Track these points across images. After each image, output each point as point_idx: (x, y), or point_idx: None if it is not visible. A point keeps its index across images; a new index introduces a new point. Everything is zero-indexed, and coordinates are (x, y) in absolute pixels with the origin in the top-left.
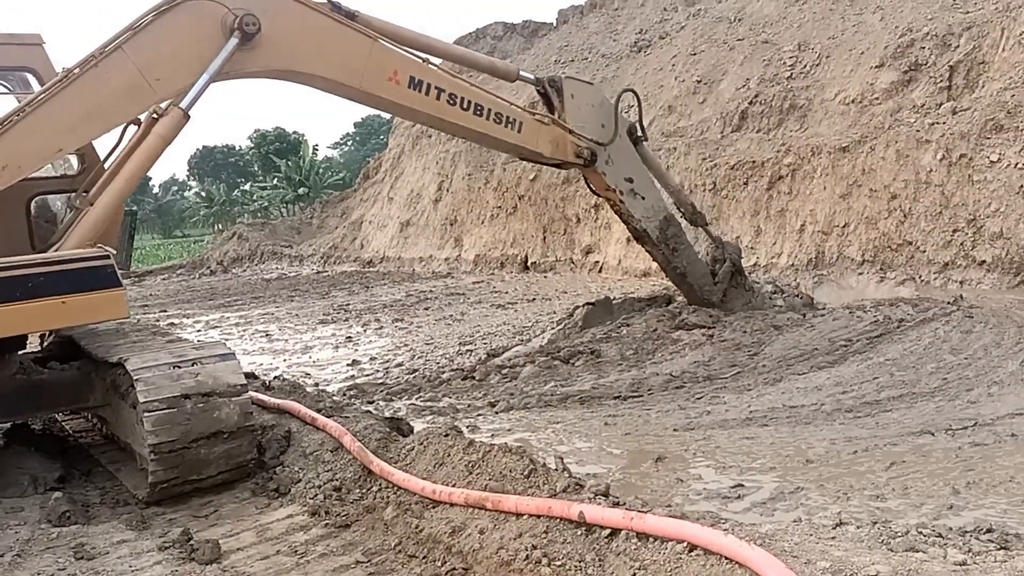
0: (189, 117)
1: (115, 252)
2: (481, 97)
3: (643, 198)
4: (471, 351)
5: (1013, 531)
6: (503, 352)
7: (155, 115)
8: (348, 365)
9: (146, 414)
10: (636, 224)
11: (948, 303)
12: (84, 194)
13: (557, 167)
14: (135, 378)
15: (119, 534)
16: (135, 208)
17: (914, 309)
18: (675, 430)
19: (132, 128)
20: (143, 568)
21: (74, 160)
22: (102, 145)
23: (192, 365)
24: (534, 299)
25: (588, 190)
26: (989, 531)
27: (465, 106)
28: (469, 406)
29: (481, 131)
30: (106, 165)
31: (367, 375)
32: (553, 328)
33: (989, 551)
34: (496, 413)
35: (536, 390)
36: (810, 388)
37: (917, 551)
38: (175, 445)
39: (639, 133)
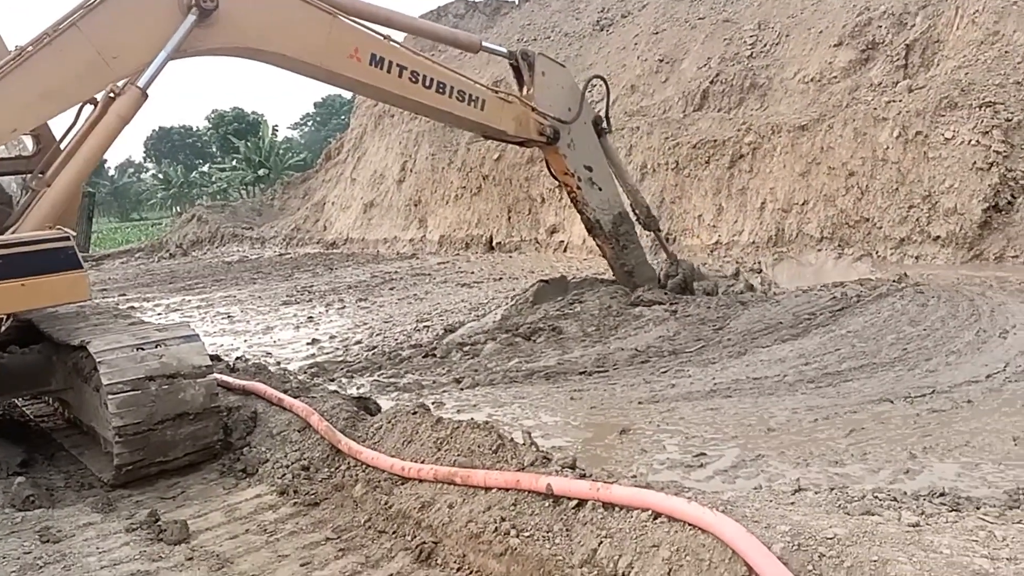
0: (147, 96)
1: (75, 234)
2: (444, 75)
3: (600, 189)
4: (428, 327)
5: (965, 493)
6: (459, 328)
7: (112, 94)
8: (308, 344)
9: (110, 397)
10: (590, 214)
11: (893, 281)
12: (40, 175)
13: (521, 145)
14: (98, 360)
15: (85, 517)
16: (92, 190)
17: (863, 287)
18: (640, 403)
19: (88, 108)
20: (111, 550)
21: (29, 141)
22: (58, 125)
23: (156, 347)
24: (500, 278)
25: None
26: (942, 494)
27: (428, 84)
28: (434, 382)
29: (444, 109)
30: (62, 146)
31: (326, 353)
32: (506, 305)
33: (941, 513)
34: (461, 389)
35: (500, 366)
36: (774, 360)
37: (873, 514)
38: (140, 427)
39: (604, 125)
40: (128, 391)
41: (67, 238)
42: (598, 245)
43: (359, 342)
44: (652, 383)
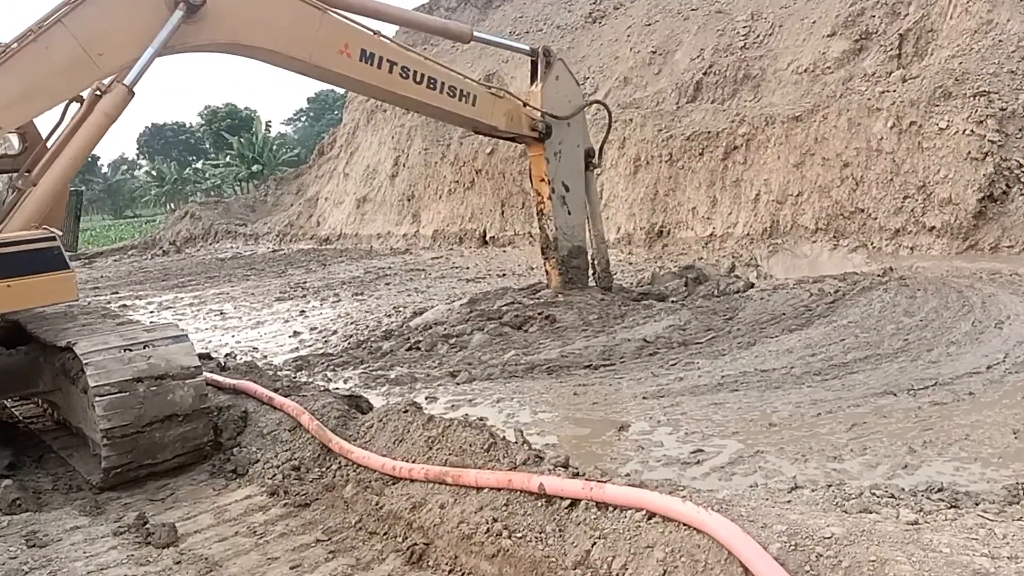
0: (134, 94)
1: (61, 234)
2: (434, 70)
3: (569, 213)
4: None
5: (963, 488)
6: (424, 312)
7: (98, 92)
8: (290, 337)
9: (97, 398)
10: (550, 231)
11: (877, 275)
12: (27, 174)
13: (512, 140)
14: (85, 362)
15: (72, 520)
16: (81, 188)
17: (843, 283)
18: (644, 398)
19: (75, 106)
20: (98, 554)
21: (15, 139)
22: (43, 124)
23: (144, 348)
24: (503, 274)
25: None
26: (940, 490)
27: (418, 79)
28: (427, 375)
29: (435, 104)
30: (49, 144)
31: (308, 346)
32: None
33: (940, 509)
34: (457, 384)
35: (496, 359)
36: (782, 351)
37: (871, 512)
38: (128, 429)
39: (595, 159)
40: (116, 393)
41: (53, 238)
42: (545, 270)
43: (335, 332)
44: (660, 376)
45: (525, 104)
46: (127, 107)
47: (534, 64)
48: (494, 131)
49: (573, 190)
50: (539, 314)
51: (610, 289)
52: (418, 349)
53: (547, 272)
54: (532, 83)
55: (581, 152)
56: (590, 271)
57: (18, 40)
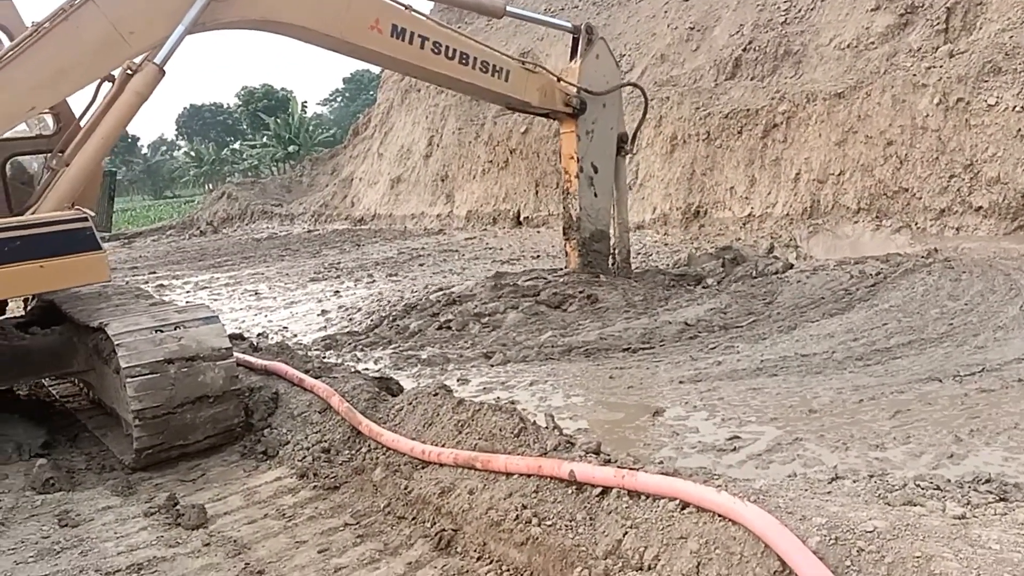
0: (164, 72)
1: (94, 214)
2: (467, 45)
3: (596, 195)
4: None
5: (1012, 480)
6: (451, 288)
7: (129, 71)
8: (318, 316)
9: (128, 379)
10: (574, 210)
11: (921, 256)
12: (60, 154)
13: (546, 116)
14: (116, 343)
15: (104, 500)
16: (114, 169)
17: (886, 265)
18: (680, 382)
19: (107, 86)
20: (128, 535)
21: (49, 119)
22: (77, 103)
23: (175, 329)
24: (537, 255)
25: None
26: (988, 481)
27: (450, 55)
28: (460, 356)
29: (468, 80)
30: (81, 124)
31: (335, 325)
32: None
33: (988, 503)
34: (492, 366)
35: (531, 340)
36: (823, 335)
37: (915, 504)
38: (159, 411)
39: (628, 145)
40: (147, 374)
41: (85, 218)
42: (565, 251)
43: (360, 310)
44: (698, 360)
45: (559, 79)
46: (158, 86)
47: (575, 41)
48: (527, 107)
49: (602, 172)
50: (580, 292)
51: (629, 279)
52: (449, 328)
53: (567, 253)
54: (571, 59)
55: (614, 135)
56: (610, 259)
57: (50, 19)
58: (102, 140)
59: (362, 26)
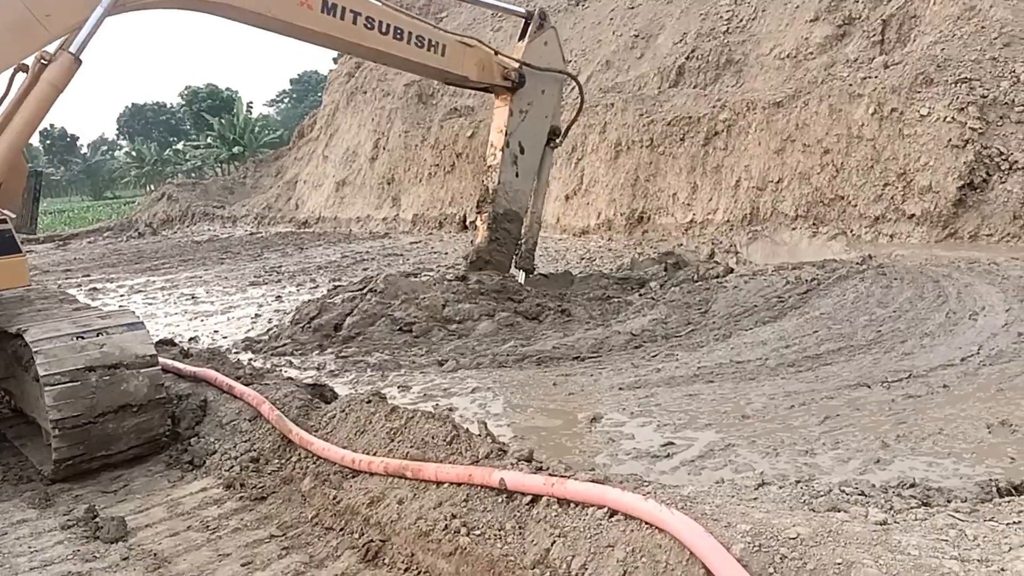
0: (81, 62)
1: (15, 216)
2: (400, 20)
3: (517, 176)
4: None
5: (936, 484)
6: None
7: (43, 61)
8: (252, 320)
9: (47, 388)
10: (491, 183)
11: (855, 263)
12: None
13: (484, 91)
14: (34, 350)
15: (20, 513)
16: (40, 169)
17: (821, 271)
18: (620, 389)
19: (20, 77)
20: (43, 549)
21: None
22: None
23: (97, 335)
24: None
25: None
26: (912, 486)
27: (384, 30)
28: (412, 363)
29: (403, 56)
30: None
31: (268, 327)
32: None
33: (911, 508)
34: (442, 373)
35: (490, 349)
36: (756, 343)
37: (839, 511)
38: (79, 420)
39: (557, 139)
40: (66, 382)
41: (4, 221)
42: (476, 224)
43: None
44: (639, 368)
45: (497, 52)
46: (74, 76)
47: (526, 25)
48: (466, 81)
49: (528, 155)
50: (557, 307)
51: (532, 272)
52: (408, 331)
53: (476, 227)
54: (520, 41)
55: (547, 124)
56: (513, 237)
57: None
58: (16, 135)
59: (290, 2)
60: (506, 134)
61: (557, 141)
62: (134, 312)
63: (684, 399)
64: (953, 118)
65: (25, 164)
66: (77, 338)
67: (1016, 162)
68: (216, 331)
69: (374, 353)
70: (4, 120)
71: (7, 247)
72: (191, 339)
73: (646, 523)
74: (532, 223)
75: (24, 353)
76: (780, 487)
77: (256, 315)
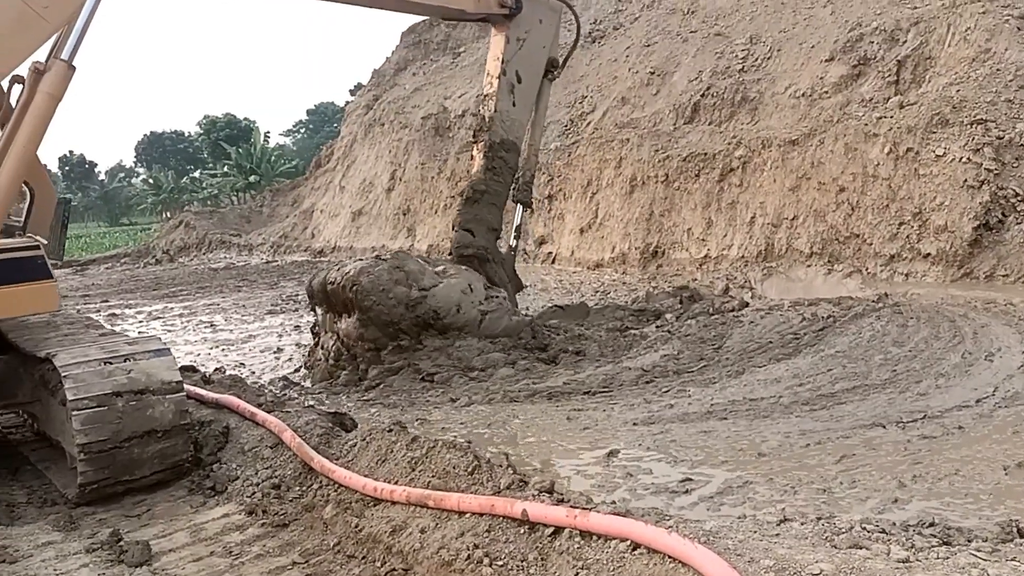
0: (75, 68)
1: (46, 242)
2: None
3: (514, 104)
4: None
5: (955, 524)
6: None
7: (37, 70)
8: (273, 354)
9: (75, 412)
10: (488, 111)
11: (872, 301)
12: None
13: (482, 22)
14: (63, 375)
15: (45, 535)
16: (69, 196)
17: (837, 308)
18: (634, 424)
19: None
20: (68, 571)
21: None
22: None
23: (124, 361)
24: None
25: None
26: (932, 525)
27: None
28: (427, 401)
29: None
30: None
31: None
32: None
33: (932, 547)
34: (456, 409)
35: (502, 387)
36: (770, 380)
37: (860, 547)
38: (105, 445)
39: (555, 70)
40: (94, 407)
41: (37, 246)
42: (471, 155)
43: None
44: (652, 403)
45: None
46: (70, 83)
47: None
48: (463, 15)
49: (525, 85)
50: (573, 349)
51: (529, 205)
52: (430, 381)
53: (472, 157)
54: None
55: (545, 55)
56: (513, 163)
57: None
58: (23, 150)
59: None
60: (503, 62)
61: (555, 73)
62: (160, 338)
63: (699, 435)
64: (969, 159)
65: (54, 192)
66: (105, 363)
67: None
68: (242, 363)
69: (392, 396)
70: (9, 136)
71: (39, 272)
72: (216, 370)
73: (669, 557)
74: (530, 155)
75: (52, 377)
76: (801, 523)
77: (278, 348)
